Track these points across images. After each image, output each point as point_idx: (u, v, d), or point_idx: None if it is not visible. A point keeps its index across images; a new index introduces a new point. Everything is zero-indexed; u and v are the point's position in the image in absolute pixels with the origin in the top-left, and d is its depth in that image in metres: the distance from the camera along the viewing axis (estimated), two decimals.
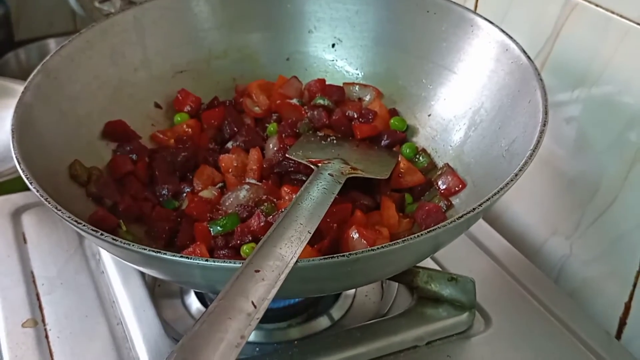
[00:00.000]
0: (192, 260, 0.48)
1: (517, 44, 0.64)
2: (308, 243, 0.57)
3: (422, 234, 0.47)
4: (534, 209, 0.82)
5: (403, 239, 0.46)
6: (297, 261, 0.47)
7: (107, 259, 0.72)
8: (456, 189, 0.66)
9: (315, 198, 0.57)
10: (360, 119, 0.73)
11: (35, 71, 0.66)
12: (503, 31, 0.66)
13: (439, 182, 0.67)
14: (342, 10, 0.77)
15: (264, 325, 0.66)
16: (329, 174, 0.62)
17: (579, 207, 0.75)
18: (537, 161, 0.77)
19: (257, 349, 0.64)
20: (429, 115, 0.73)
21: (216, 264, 0.48)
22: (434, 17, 0.72)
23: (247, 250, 0.61)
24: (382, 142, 0.72)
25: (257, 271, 0.46)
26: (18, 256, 0.73)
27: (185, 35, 0.78)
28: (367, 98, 0.76)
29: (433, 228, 0.47)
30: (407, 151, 0.71)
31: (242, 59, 0.80)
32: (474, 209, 0.49)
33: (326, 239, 0.58)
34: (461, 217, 0.48)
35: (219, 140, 0.75)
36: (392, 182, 0.69)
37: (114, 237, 0.49)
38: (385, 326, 0.64)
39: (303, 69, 0.80)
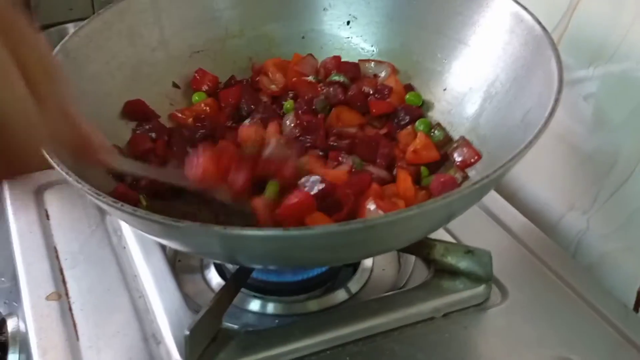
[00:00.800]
0: (210, 228, 0.48)
1: (531, 14, 0.64)
2: (326, 213, 0.58)
3: (436, 200, 0.47)
4: (551, 185, 0.82)
5: (417, 204, 0.47)
6: (313, 227, 0.47)
7: (129, 234, 0.73)
8: (472, 160, 0.66)
9: None
10: (376, 95, 0.74)
11: (54, 52, 0.67)
12: (517, 2, 0.66)
13: (455, 155, 0.67)
14: None
15: (282, 298, 0.67)
16: None
17: (596, 182, 0.75)
18: (554, 137, 0.78)
19: (277, 320, 0.65)
20: (445, 90, 0.73)
21: (235, 232, 0.48)
22: None
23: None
24: (400, 118, 0.73)
25: None
26: (41, 232, 0.74)
27: (201, 15, 0.79)
28: (383, 74, 0.76)
29: (447, 194, 0.48)
30: (422, 127, 0.72)
31: (258, 38, 0.80)
32: (487, 176, 0.49)
33: (344, 210, 0.59)
34: (475, 183, 0.49)
35: (236, 118, 0.76)
36: (408, 158, 0.69)
37: (134, 208, 0.50)
38: (402, 298, 0.65)
39: (318, 46, 0.80)
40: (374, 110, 0.73)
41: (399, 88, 0.74)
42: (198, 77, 0.77)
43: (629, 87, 0.69)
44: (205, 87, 0.77)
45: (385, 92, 0.74)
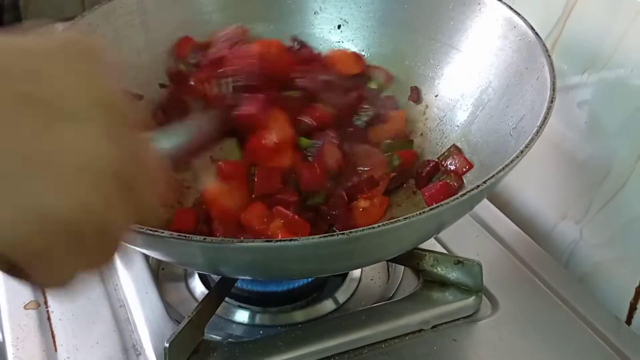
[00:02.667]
0: (191, 239, 0.47)
1: (524, 20, 0.63)
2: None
3: (424, 212, 0.46)
4: (544, 194, 0.81)
5: (405, 216, 0.45)
6: (296, 239, 0.46)
7: None
8: (464, 170, 0.65)
9: None
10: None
11: None
12: (510, 8, 0.65)
13: (447, 163, 0.66)
14: None
15: (268, 309, 0.66)
16: None
17: (589, 191, 0.73)
18: (548, 145, 0.76)
19: (261, 331, 0.64)
20: (436, 96, 0.72)
21: (214, 244, 0.47)
22: None
23: None
24: None
25: None
26: None
27: (188, 18, 0.77)
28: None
29: (436, 205, 0.46)
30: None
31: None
32: (477, 186, 0.48)
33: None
34: (464, 194, 0.47)
35: None
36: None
37: None
38: (391, 309, 0.64)
39: None
40: None
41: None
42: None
43: (624, 94, 0.68)
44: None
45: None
